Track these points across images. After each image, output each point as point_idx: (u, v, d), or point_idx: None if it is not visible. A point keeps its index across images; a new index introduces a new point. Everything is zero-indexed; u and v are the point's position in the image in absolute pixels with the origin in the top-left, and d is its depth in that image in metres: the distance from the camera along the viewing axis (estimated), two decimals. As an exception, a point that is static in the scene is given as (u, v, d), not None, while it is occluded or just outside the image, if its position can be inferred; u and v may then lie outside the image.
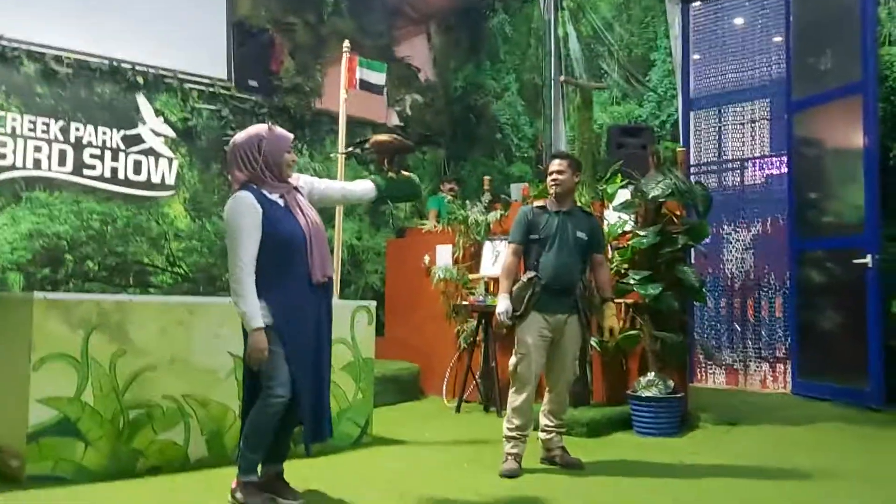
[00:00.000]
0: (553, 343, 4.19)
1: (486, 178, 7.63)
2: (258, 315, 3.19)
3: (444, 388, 6.49)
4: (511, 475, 4.01)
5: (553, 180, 4.28)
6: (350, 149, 4.55)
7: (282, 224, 3.29)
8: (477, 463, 4.28)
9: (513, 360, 4.18)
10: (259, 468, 3.40)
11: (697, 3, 7.86)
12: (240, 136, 3.42)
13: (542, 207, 4.34)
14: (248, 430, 3.32)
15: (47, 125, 6.47)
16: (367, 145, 3.98)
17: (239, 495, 3.30)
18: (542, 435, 4.31)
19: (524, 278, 4.21)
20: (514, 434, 4.13)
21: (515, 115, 9.29)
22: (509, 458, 4.11)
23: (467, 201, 7.01)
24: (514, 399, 4.16)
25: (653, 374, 5.20)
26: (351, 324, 4.75)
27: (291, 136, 3.49)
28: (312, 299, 3.36)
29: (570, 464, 4.19)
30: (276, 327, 3.23)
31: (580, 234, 4.22)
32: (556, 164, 4.32)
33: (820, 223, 6.59)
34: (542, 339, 4.13)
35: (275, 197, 3.35)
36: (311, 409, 3.33)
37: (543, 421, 4.31)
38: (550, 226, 4.22)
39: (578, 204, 4.57)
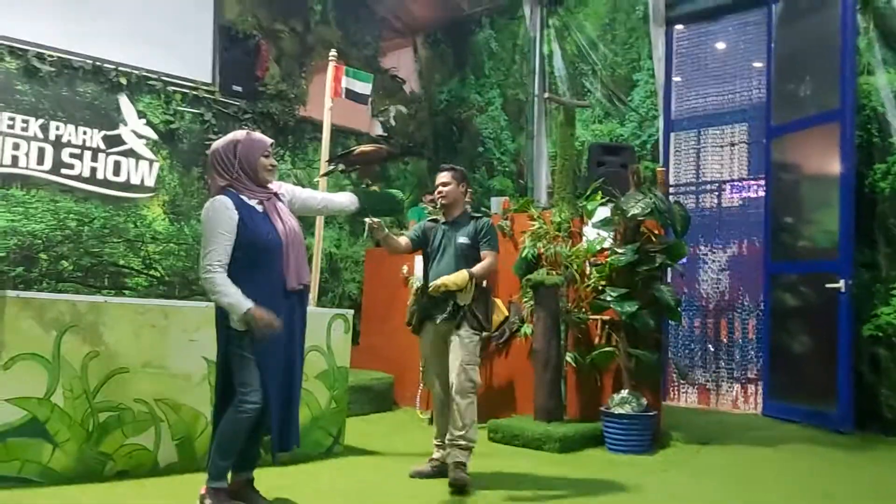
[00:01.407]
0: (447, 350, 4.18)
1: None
2: (242, 298, 3.19)
3: (418, 399, 6.48)
4: (413, 475, 4.18)
5: (438, 192, 4.33)
6: (331, 168, 4.55)
7: (259, 229, 3.30)
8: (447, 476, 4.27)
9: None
10: (229, 475, 3.39)
11: (681, 27, 7.96)
12: (219, 141, 3.44)
13: (436, 220, 4.41)
14: (220, 437, 3.31)
15: (27, 123, 6.41)
16: (352, 156, 3.99)
17: (208, 502, 3.28)
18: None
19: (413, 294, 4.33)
20: (433, 441, 4.31)
21: (498, 129, 9.33)
22: (427, 461, 4.26)
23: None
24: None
25: (626, 391, 5.24)
26: (327, 332, 4.74)
27: (270, 140, 3.50)
28: (286, 306, 3.36)
29: (456, 480, 3.93)
30: (250, 333, 3.22)
31: (461, 240, 4.23)
32: (441, 177, 4.35)
33: (794, 247, 6.67)
34: (434, 346, 4.22)
35: (254, 203, 3.36)
36: (278, 419, 3.33)
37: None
38: (437, 238, 4.30)
39: (479, 213, 4.47)
